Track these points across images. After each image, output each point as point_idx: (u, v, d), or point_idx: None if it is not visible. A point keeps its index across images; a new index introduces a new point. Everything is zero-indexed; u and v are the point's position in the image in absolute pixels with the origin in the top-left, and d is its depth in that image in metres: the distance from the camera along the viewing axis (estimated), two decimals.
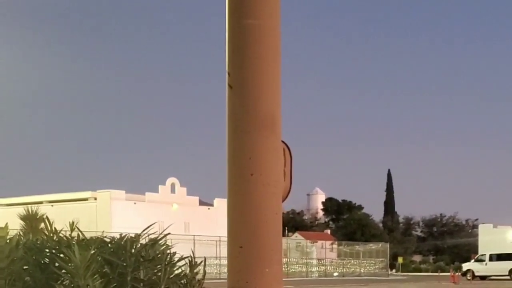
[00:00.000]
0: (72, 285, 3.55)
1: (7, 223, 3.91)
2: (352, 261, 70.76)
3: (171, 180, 66.84)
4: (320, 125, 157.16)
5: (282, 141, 2.62)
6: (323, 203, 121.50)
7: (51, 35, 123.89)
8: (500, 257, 54.20)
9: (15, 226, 4.99)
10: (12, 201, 61.57)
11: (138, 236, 3.94)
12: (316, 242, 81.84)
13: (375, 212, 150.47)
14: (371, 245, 74.62)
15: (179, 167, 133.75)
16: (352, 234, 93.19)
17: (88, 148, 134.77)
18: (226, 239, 2.66)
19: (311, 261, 69.55)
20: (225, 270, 7.45)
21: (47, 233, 4.02)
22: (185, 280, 4.25)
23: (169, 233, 4.28)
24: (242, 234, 2.56)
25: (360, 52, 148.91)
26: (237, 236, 2.58)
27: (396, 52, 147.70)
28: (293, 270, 63.73)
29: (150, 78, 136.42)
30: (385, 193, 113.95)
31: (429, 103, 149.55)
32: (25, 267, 3.86)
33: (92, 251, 3.59)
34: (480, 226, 74.34)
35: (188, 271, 4.28)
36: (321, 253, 76.26)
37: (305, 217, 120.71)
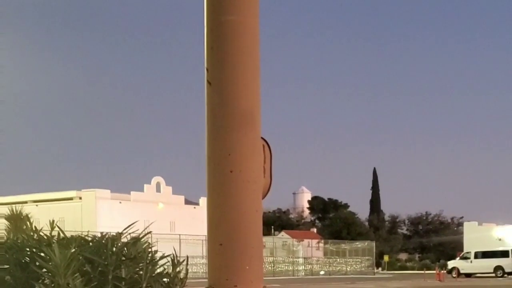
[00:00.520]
0: (52, 284, 3.53)
1: None
2: (338, 260, 70.89)
3: (156, 179, 66.69)
4: (306, 124, 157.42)
5: (262, 138, 2.61)
6: (309, 201, 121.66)
7: (33, 35, 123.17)
8: (485, 254, 54.51)
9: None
10: None
11: (119, 234, 3.92)
12: (303, 240, 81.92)
13: (361, 210, 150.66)
14: (357, 243, 74.78)
15: (165, 166, 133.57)
16: (338, 232, 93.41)
17: (72, 148, 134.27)
18: None
19: (297, 260, 69.63)
20: None
21: (27, 232, 4.00)
22: (167, 278, 4.24)
23: (150, 232, 4.27)
24: (222, 231, 2.55)
25: (346, 50, 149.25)
26: (217, 233, 2.56)
27: (381, 51, 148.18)
28: (279, 269, 63.79)
29: (135, 77, 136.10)
30: (370, 191, 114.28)
31: (414, 102, 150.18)
32: (5, 266, 3.83)
33: (73, 250, 3.57)
34: (465, 224, 74.70)
35: (170, 270, 4.26)
36: (308, 251, 76.36)
37: (291, 216, 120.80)
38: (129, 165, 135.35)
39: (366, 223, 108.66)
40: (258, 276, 2.61)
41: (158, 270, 4.17)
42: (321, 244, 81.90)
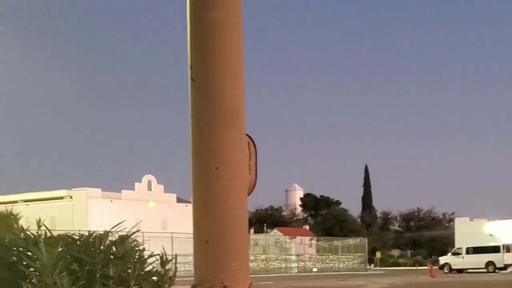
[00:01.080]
0: (40, 283, 3.52)
1: None
2: (331, 257, 71.03)
3: (147, 177, 66.60)
4: (298, 122, 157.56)
5: (247, 135, 2.61)
6: (301, 199, 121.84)
7: (25, 34, 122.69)
8: (477, 250, 54.66)
9: None
10: None
11: (106, 233, 3.91)
12: (295, 238, 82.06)
13: (353, 207, 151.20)
14: (349, 240, 74.94)
15: (156, 164, 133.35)
16: (330, 229, 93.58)
17: (63, 147, 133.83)
18: None
19: (290, 257, 69.71)
20: None
21: (14, 232, 3.98)
22: (156, 277, 4.23)
23: (139, 230, 4.25)
24: (208, 228, 2.54)
25: (337, 46, 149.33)
26: (202, 230, 2.56)
27: (371, 47, 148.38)
28: (272, 266, 63.85)
29: (125, 75, 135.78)
30: (362, 188, 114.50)
31: (405, 99, 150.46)
32: None
33: (60, 249, 3.56)
34: (457, 220, 74.86)
35: (160, 268, 4.26)
36: (300, 249, 76.48)
37: (284, 213, 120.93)
38: (120, 163, 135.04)
39: (358, 220, 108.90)
40: (245, 273, 2.61)
41: (147, 269, 4.17)
42: (314, 241, 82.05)
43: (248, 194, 2.64)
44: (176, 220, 62.34)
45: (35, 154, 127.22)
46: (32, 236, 3.80)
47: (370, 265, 77.16)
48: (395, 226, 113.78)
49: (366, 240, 73.33)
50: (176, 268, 4.13)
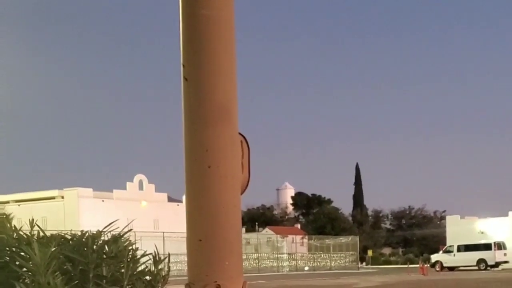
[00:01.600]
0: (33, 283, 3.51)
1: None
2: (322, 255, 71.16)
3: (138, 177, 66.53)
4: (289, 121, 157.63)
5: (239, 133, 2.61)
6: (292, 197, 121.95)
7: (19, 37, 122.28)
8: (468, 247, 54.83)
9: None
10: None
11: (99, 232, 3.91)
12: (287, 236, 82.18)
13: (344, 205, 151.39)
14: (341, 238, 75.07)
15: (147, 164, 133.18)
16: (322, 228, 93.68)
17: (54, 147, 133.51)
18: None
19: (282, 255, 69.82)
20: None
21: (7, 232, 3.97)
22: (149, 276, 4.23)
23: (131, 229, 4.25)
24: (201, 227, 2.54)
25: (327, 47, 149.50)
26: (196, 229, 2.56)
27: (360, 48, 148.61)
28: (264, 265, 63.94)
29: (115, 76, 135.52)
30: (353, 186, 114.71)
31: (395, 98, 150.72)
32: None
33: (53, 249, 3.56)
34: (448, 218, 75.03)
35: (153, 268, 4.26)
36: (292, 247, 76.60)
37: (275, 212, 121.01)
38: (111, 163, 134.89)
39: (350, 218, 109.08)
40: (238, 272, 2.61)
41: (140, 268, 4.16)
42: (305, 240, 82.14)
43: (241, 193, 2.64)
44: (168, 219, 62.32)
45: (27, 155, 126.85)
46: (25, 236, 3.79)
47: (361, 263, 77.30)
48: (387, 224, 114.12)
49: (357, 238, 73.49)
50: (169, 267, 4.12)
